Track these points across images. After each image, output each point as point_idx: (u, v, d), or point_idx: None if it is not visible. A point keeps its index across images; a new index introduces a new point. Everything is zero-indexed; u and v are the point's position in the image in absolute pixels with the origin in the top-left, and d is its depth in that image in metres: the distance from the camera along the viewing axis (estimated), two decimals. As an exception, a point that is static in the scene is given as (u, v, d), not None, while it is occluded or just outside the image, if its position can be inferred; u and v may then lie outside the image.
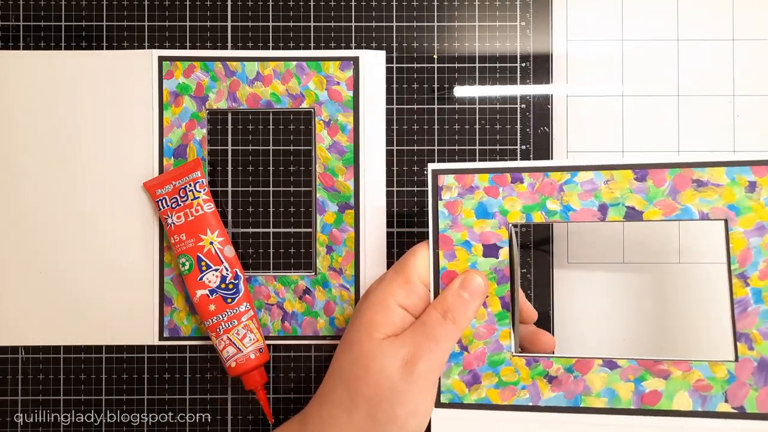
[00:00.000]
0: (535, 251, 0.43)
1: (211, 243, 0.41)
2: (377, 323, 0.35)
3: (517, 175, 0.35)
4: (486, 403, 0.35)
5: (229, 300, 0.41)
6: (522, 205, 0.35)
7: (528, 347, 0.39)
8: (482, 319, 0.36)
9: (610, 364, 0.34)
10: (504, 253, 0.35)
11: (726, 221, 0.33)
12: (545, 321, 0.44)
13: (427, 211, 0.36)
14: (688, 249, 0.44)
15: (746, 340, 0.33)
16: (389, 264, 0.43)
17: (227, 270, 0.41)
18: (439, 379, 0.36)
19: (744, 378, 0.32)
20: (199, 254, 0.41)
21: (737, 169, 0.33)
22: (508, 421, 0.35)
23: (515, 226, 0.35)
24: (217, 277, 0.41)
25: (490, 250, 0.35)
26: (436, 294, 0.36)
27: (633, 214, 0.34)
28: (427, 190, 0.37)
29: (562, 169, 0.34)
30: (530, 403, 0.34)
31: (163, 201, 0.42)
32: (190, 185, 0.42)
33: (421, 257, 0.37)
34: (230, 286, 0.41)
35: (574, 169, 0.34)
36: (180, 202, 0.41)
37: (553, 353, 0.36)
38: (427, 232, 0.37)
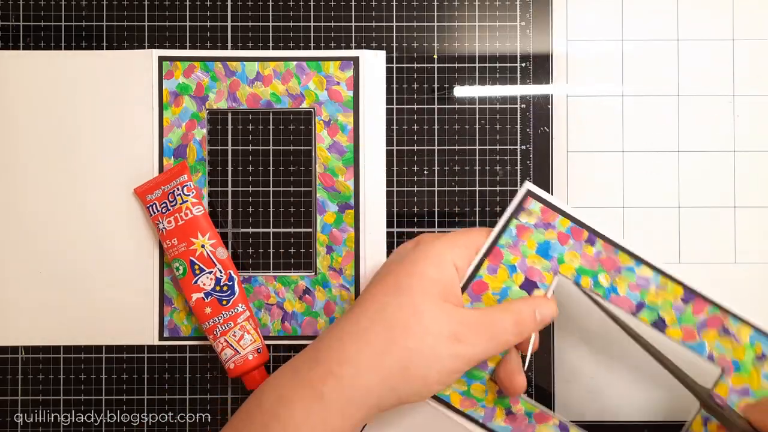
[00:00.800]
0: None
1: (203, 246, 0.41)
2: (431, 278, 0.34)
3: (593, 238, 0.36)
4: (445, 401, 0.37)
5: (224, 302, 0.41)
6: (579, 265, 0.36)
7: (501, 379, 0.37)
8: None
9: (563, 426, 0.37)
10: (538, 293, 0.36)
11: (723, 370, 0.36)
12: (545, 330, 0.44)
13: (498, 220, 0.36)
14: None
15: None
16: (389, 264, 0.43)
17: (221, 272, 0.41)
18: None
19: None
20: (191, 258, 0.41)
21: (761, 337, 0.35)
22: (453, 424, 0.37)
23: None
24: (211, 279, 0.41)
25: (528, 285, 0.36)
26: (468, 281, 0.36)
27: (659, 325, 0.36)
28: (509, 201, 0.37)
29: (633, 256, 0.36)
30: (481, 421, 0.37)
31: (154, 206, 0.42)
32: (177, 189, 0.42)
33: (478, 233, 0.36)
34: (225, 288, 0.41)
35: (642, 261, 0.36)
36: (169, 207, 0.41)
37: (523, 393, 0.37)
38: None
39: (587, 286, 0.36)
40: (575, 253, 0.36)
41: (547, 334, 0.44)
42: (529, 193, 0.36)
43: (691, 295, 0.36)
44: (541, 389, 0.44)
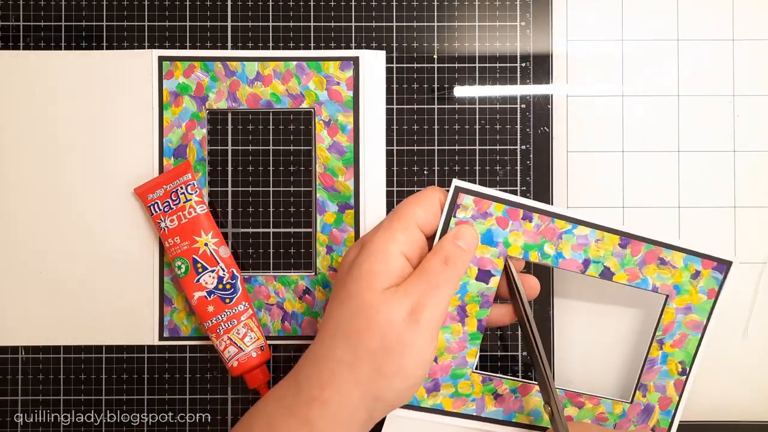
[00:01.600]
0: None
1: (206, 244, 0.41)
2: (377, 272, 0.34)
3: (529, 214, 0.38)
4: (438, 409, 0.39)
5: (227, 300, 0.41)
6: (524, 242, 0.38)
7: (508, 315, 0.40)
8: (457, 336, 0.38)
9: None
10: (494, 281, 0.38)
11: (667, 297, 0.39)
12: (546, 323, 0.44)
13: (440, 222, 0.37)
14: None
15: (643, 389, 0.40)
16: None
17: (224, 270, 0.41)
18: None
19: (631, 416, 0.40)
20: (194, 256, 0.41)
21: (692, 258, 0.39)
22: (451, 426, 0.39)
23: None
24: (213, 278, 0.41)
25: (483, 276, 0.38)
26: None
27: (606, 274, 0.39)
28: (445, 202, 0.37)
29: (568, 220, 0.38)
30: (474, 414, 0.39)
31: (155, 206, 0.42)
32: (181, 188, 0.42)
33: (420, 205, 0.36)
34: (228, 287, 0.41)
35: (577, 222, 0.38)
36: (172, 206, 0.41)
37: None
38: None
39: (536, 260, 0.38)
40: (517, 233, 0.38)
41: (546, 333, 0.44)
42: (459, 189, 0.37)
43: (626, 240, 0.38)
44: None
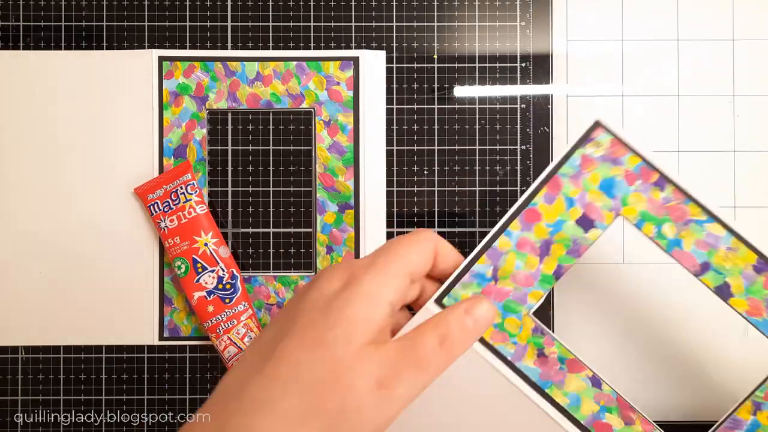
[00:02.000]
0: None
1: (206, 244, 0.41)
2: (361, 321, 0.29)
3: (662, 181, 0.32)
4: None
5: (227, 300, 0.41)
6: (644, 209, 0.33)
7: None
8: (529, 269, 0.33)
9: (595, 380, 0.34)
10: (594, 234, 0.33)
11: None
12: (546, 319, 0.44)
13: (562, 153, 0.33)
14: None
15: None
16: (389, 264, 0.43)
17: (223, 270, 0.41)
18: (446, 298, 0.33)
19: None
20: (194, 256, 0.41)
21: None
22: (479, 356, 0.33)
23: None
24: (213, 278, 0.41)
25: (585, 223, 0.33)
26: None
27: (724, 291, 0.33)
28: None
29: (705, 211, 0.32)
30: (509, 358, 0.33)
31: (155, 206, 0.42)
32: (181, 188, 0.42)
33: (417, 252, 0.32)
34: (227, 287, 0.41)
35: (714, 217, 0.32)
36: (172, 206, 0.41)
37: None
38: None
39: (650, 235, 0.32)
40: (641, 196, 0.32)
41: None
42: (599, 124, 0.32)
43: (765, 265, 0.32)
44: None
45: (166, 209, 0.41)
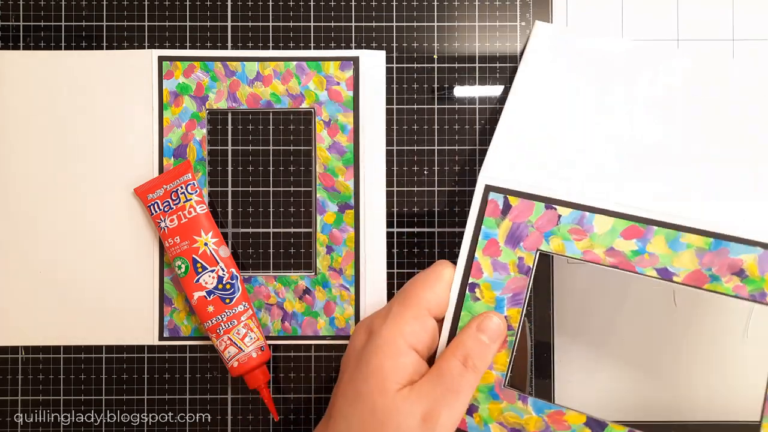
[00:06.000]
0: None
1: (206, 244, 0.41)
2: (388, 371, 0.32)
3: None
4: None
5: (227, 300, 0.41)
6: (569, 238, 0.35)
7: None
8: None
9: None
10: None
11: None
12: (546, 324, 0.44)
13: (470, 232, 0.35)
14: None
15: None
16: (389, 264, 0.43)
17: (223, 270, 0.41)
18: None
19: None
20: (194, 256, 0.41)
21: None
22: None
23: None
24: (213, 278, 0.41)
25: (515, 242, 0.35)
26: (460, 298, 0.35)
27: (664, 274, 0.33)
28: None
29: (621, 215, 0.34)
30: None
31: (155, 206, 0.42)
32: (181, 188, 0.42)
33: (427, 287, 0.34)
34: (227, 287, 0.41)
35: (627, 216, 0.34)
36: (172, 206, 0.41)
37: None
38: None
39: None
40: (561, 232, 0.35)
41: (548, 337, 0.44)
42: (489, 188, 0.35)
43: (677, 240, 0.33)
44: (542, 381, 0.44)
45: (166, 209, 0.41)
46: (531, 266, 0.34)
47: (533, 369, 0.43)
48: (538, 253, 0.34)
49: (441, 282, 0.35)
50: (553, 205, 0.34)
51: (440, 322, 0.35)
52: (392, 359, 0.32)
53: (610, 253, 0.34)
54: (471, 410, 0.35)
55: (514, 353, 0.35)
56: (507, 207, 0.35)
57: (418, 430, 0.31)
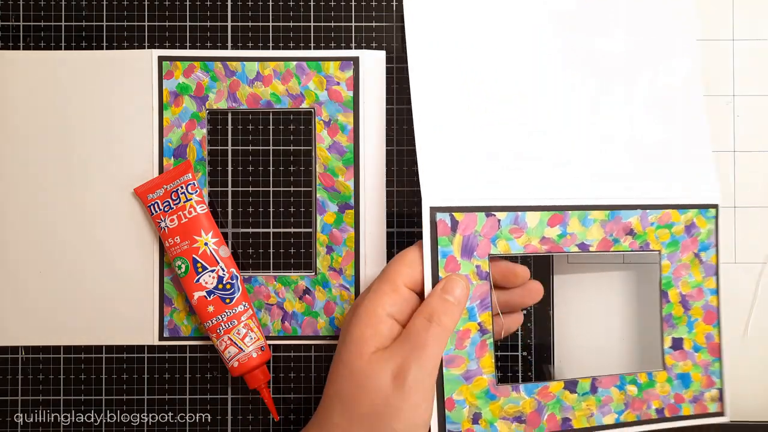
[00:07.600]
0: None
1: (206, 244, 0.41)
2: (366, 337, 0.35)
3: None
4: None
5: (227, 300, 0.41)
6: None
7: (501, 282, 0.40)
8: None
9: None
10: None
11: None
12: (545, 321, 0.44)
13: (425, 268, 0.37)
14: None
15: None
16: (389, 264, 0.43)
17: (223, 270, 0.41)
18: (437, 382, 0.37)
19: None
20: (194, 256, 0.41)
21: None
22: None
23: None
24: (213, 278, 0.41)
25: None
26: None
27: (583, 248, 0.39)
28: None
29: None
30: None
31: (155, 205, 0.42)
32: (181, 188, 0.42)
33: (405, 263, 0.37)
34: (228, 287, 0.41)
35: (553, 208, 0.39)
36: (172, 205, 0.41)
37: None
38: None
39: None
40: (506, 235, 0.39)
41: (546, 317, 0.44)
42: (435, 210, 0.38)
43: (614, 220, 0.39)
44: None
45: (166, 209, 0.41)
46: (488, 270, 0.38)
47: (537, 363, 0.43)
48: (489, 258, 0.38)
49: (418, 257, 0.37)
50: (492, 212, 0.38)
51: (419, 294, 0.37)
52: (371, 327, 0.35)
53: (543, 241, 0.39)
54: (475, 418, 0.38)
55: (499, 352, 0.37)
56: (455, 223, 0.38)
57: (389, 387, 0.33)
